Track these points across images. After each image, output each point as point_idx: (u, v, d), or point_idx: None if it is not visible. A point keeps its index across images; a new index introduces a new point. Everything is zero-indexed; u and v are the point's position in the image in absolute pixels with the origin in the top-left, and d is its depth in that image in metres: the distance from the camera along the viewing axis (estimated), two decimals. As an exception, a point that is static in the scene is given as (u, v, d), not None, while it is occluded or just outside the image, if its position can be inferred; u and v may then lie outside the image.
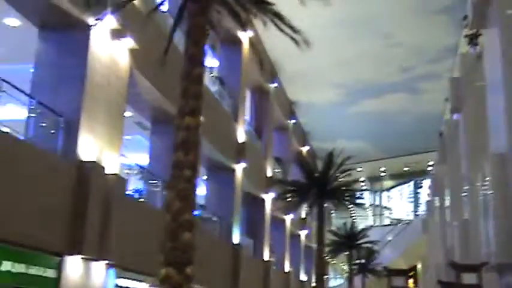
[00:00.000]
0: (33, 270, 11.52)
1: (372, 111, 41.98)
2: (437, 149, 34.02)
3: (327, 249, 33.44)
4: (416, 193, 64.56)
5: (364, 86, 38.64)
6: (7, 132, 11.45)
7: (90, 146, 13.43)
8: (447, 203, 27.09)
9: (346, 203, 21.07)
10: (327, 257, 34.24)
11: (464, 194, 22.01)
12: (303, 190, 19.86)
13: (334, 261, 47.10)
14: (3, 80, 11.18)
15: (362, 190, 24.62)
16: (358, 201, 22.36)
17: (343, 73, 36.90)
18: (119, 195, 14.13)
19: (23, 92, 12.22)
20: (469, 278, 9.57)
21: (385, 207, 63.74)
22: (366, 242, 35.28)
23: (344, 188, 20.26)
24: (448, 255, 25.91)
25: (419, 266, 54.50)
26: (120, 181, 14.36)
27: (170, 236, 6.83)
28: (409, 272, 36.86)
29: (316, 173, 19.55)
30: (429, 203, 37.59)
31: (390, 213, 64.87)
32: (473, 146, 20.88)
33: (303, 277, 42.60)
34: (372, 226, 51.85)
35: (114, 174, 14.10)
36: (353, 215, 45.93)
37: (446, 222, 28.04)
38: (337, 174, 20.04)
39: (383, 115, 42.56)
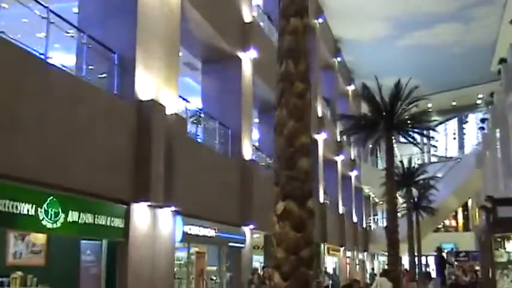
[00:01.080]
0: (101, 220, 10.61)
1: (420, 43, 39.88)
2: (498, 78, 32.01)
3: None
4: (462, 128, 62.60)
5: (412, 17, 36.50)
6: (64, 70, 10.32)
7: (148, 84, 12.29)
8: (512, 133, 25.40)
9: (416, 135, 19.58)
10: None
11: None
12: (370, 124, 18.49)
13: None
14: (51, 11, 9.98)
15: (431, 121, 22.74)
16: (428, 133, 20.70)
17: (389, 4, 34.83)
18: (180, 136, 13.06)
19: (71, 24, 11.01)
20: (505, 211, 8.26)
21: (432, 145, 61.85)
22: (425, 179, 33.78)
23: (413, 120, 18.80)
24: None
25: (470, 203, 53.14)
26: (180, 121, 13.26)
27: (286, 164, 5.66)
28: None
29: (382, 106, 18.10)
30: (486, 136, 35.74)
31: (435, 151, 63.10)
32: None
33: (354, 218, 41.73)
34: (424, 163, 50.26)
35: (175, 113, 13.00)
36: (409, 152, 44.23)
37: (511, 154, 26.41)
38: (404, 107, 18.55)
39: (432, 48, 40.41)
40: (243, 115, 18.79)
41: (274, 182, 5.76)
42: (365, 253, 45.47)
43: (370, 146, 20.73)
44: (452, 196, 44.72)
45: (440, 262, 22.51)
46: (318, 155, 30.26)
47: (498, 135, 28.89)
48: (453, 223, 58.27)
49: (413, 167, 31.77)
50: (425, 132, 21.01)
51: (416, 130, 19.24)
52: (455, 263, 24.98)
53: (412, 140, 19.89)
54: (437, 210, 36.99)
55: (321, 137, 30.51)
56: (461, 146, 61.50)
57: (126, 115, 11.52)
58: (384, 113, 18.20)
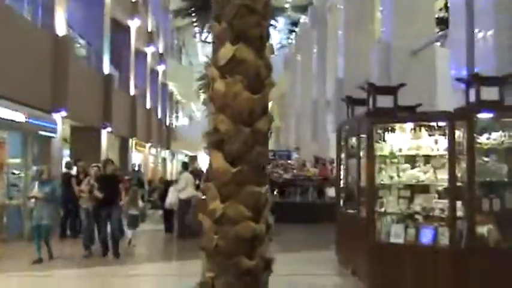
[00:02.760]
0: None
1: None
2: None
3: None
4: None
5: None
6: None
7: None
8: None
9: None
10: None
11: None
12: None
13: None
14: None
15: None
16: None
17: None
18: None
19: None
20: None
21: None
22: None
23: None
24: None
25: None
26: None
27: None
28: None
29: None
30: (300, 38, 35.82)
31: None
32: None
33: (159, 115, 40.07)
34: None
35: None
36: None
37: None
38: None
39: None
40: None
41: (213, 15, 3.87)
42: (167, 151, 44.49)
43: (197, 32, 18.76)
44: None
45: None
46: (130, 44, 27.63)
47: (316, 36, 28.85)
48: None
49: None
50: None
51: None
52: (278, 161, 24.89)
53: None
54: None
55: (134, 24, 27.74)
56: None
57: None
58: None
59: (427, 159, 8.47)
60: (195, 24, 17.82)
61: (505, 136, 7.94)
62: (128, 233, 13.55)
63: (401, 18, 15.66)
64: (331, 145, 29.01)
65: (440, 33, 17.51)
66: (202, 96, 44.55)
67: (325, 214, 18.57)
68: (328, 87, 27.22)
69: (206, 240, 4.22)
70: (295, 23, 40.43)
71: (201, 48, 63.44)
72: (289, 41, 52.53)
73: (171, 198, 15.62)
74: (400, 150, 8.53)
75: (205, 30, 17.67)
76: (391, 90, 8.95)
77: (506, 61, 10.09)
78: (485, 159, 7.94)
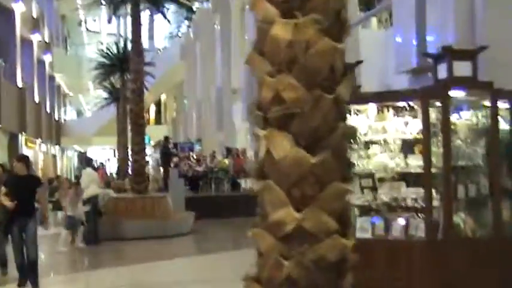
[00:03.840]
0: None
1: None
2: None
3: (93, 72, 28.50)
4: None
5: None
6: None
7: None
8: None
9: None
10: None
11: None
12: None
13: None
14: None
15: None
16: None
17: None
18: None
19: None
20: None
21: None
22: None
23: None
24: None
25: (163, 97, 52.64)
26: None
27: None
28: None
29: None
30: (197, 25, 34.35)
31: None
32: None
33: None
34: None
35: None
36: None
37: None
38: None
39: None
40: None
41: None
42: (57, 147, 41.56)
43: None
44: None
45: (166, 153, 20.59)
46: (15, 30, 25.08)
47: (218, 22, 27.69)
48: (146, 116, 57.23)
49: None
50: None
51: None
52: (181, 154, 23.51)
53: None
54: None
55: (18, 8, 25.13)
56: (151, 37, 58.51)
57: None
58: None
59: (389, 144, 7.66)
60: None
61: (477, 116, 7.30)
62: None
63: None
64: (239, 135, 28.13)
65: (363, 14, 17.02)
66: (94, 88, 42.23)
67: (248, 207, 17.63)
68: (233, 75, 26.21)
69: (265, 269, 2.75)
70: (190, 10, 38.91)
71: (87, 38, 60.37)
72: (182, 29, 50.74)
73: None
74: (366, 134, 7.62)
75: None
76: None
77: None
78: (459, 141, 7.25)
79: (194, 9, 37.00)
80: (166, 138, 22.20)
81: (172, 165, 20.47)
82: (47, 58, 36.67)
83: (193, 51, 33.98)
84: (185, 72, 38.16)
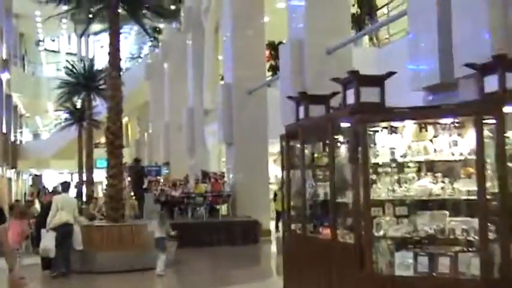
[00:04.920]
0: None
1: None
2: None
3: (60, 90, 26.81)
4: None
5: None
6: None
7: None
8: None
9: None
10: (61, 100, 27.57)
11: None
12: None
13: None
14: None
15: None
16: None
17: None
18: None
19: None
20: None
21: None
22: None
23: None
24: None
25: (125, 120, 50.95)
26: None
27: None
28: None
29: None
30: (165, 45, 33.12)
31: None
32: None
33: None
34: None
35: None
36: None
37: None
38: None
39: None
40: None
41: None
42: (13, 170, 39.38)
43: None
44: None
45: (141, 176, 19.22)
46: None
47: (190, 42, 26.61)
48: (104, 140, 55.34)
49: (98, 69, 26.59)
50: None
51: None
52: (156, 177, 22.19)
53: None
54: (103, 124, 33.09)
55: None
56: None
57: None
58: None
59: (432, 166, 6.71)
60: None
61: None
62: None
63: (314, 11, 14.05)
64: (211, 158, 26.94)
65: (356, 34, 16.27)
66: (53, 109, 40.27)
67: (231, 235, 16.50)
68: (205, 96, 25.14)
69: None
70: (156, 30, 37.75)
71: (45, 58, 58.39)
72: (145, 51, 49.37)
73: (47, 242, 11.99)
74: (405, 155, 6.63)
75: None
76: (377, 82, 7.12)
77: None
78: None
79: (161, 27, 36.01)
80: (137, 160, 20.81)
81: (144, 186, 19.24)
82: (5, 76, 34.82)
83: (160, 72, 32.71)
84: (150, 93, 36.83)
